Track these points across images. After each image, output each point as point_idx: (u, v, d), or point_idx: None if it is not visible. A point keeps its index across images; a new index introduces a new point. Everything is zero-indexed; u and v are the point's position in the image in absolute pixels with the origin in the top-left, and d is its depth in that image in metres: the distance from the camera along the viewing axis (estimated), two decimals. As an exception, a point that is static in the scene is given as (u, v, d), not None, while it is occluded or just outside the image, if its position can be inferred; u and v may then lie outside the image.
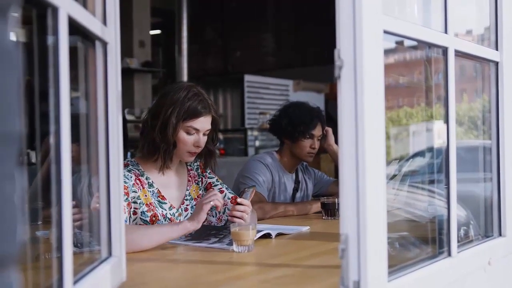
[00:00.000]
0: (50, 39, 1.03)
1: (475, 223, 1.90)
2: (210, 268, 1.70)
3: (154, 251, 1.92)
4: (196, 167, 2.44)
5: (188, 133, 2.20)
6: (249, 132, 7.46)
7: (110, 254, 1.38)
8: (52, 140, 1.03)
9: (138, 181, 2.18)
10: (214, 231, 2.14)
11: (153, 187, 2.24)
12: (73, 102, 1.11)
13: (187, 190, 2.36)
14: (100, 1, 1.36)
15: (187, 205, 2.34)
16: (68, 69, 1.04)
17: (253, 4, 9.43)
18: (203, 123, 2.21)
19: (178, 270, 1.71)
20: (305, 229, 2.36)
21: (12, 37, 0.56)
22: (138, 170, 2.22)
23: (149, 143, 2.21)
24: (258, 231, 2.04)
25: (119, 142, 1.40)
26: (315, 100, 6.63)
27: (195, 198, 2.37)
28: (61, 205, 1.02)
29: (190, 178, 2.39)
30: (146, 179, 2.23)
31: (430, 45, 1.57)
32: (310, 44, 9.05)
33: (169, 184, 2.30)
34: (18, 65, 0.57)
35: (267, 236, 2.12)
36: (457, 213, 1.58)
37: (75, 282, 1.11)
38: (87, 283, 1.16)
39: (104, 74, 1.37)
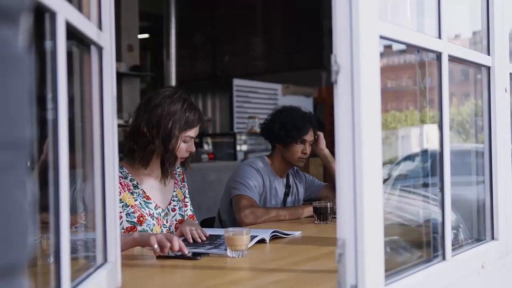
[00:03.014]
0: (47, 44, 1.03)
1: (464, 227, 1.91)
2: (205, 274, 1.70)
3: (148, 257, 1.91)
4: (178, 173, 2.51)
5: (184, 141, 2.30)
6: (238, 136, 7.44)
7: (105, 260, 1.37)
8: (49, 145, 1.03)
9: (119, 184, 2.20)
10: (209, 240, 2.14)
11: (138, 188, 2.29)
12: (68, 107, 1.11)
13: (174, 191, 2.43)
14: (95, 6, 1.36)
15: (174, 205, 2.41)
16: (66, 73, 1.04)
17: (242, 8, 9.45)
18: (197, 130, 2.34)
19: (173, 276, 1.71)
20: (297, 233, 2.36)
21: (23, 43, 0.56)
22: (122, 173, 2.25)
23: (149, 153, 2.26)
24: (253, 237, 2.04)
25: (114, 147, 1.39)
26: (304, 104, 6.64)
27: (181, 200, 2.45)
28: (58, 211, 1.01)
29: (176, 181, 2.47)
30: (131, 181, 2.28)
31: (425, 50, 1.58)
32: (299, 48, 9.08)
33: (155, 186, 2.35)
34: (29, 71, 0.56)
35: (261, 241, 2.12)
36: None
37: (72, 288, 1.10)
38: (84, 289, 1.16)
39: (99, 79, 1.36)
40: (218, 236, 2.20)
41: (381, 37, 1.25)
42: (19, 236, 0.54)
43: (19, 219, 0.53)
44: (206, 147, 7.41)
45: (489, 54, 1.85)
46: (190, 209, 2.53)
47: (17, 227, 0.53)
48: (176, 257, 1.87)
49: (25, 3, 0.57)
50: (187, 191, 2.55)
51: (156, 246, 1.81)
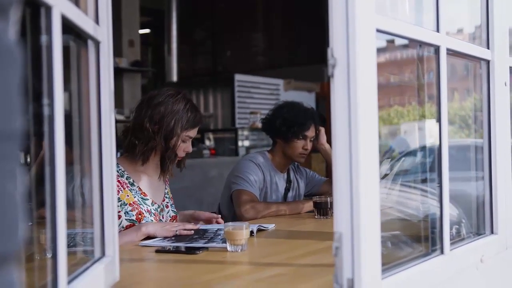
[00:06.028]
0: (43, 38, 1.03)
1: (466, 222, 1.91)
2: (203, 268, 1.70)
3: (146, 251, 1.92)
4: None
5: (183, 141, 2.33)
6: (239, 132, 7.44)
7: (103, 254, 1.38)
8: (45, 140, 1.03)
9: (117, 182, 2.21)
10: (197, 235, 2.14)
11: (134, 185, 2.31)
12: (64, 102, 1.11)
13: (166, 189, 2.48)
14: (92, 0, 1.36)
15: (167, 202, 2.46)
16: (62, 68, 1.04)
17: (243, 3, 9.44)
18: (196, 131, 2.38)
19: (172, 270, 1.71)
20: (271, 226, 2.39)
21: (13, 36, 0.56)
22: (118, 171, 2.26)
23: (149, 149, 2.28)
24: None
25: (112, 142, 1.40)
26: (306, 99, 6.64)
27: (171, 197, 2.51)
28: (55, 206, 1.02)
29: (166, 180, 2.51)
30: (127, 178, 2.30)
31: (423, 44, 1.58)
32: (301, 43, 9.08)
33: (149, 183, 2.39)
34: (19, 64, 0.57)
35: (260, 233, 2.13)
36: (449, 212, 1.58)
37: (69, 282, 1.10)
38: (81, 283, 1.16)
39: (96, 73, 1.36)
40: (206, 230, 2.21)
41: (378, 31, 1.25)
42: (9, 227, 0.54)
43: (9, 210, 0.54)
44: (207, 142, 7.42)
45: (488, 48, 1.84)
46: (173, 210, 2.53)
47: (8, 218, 0.54)
48: (175, 251, 1.88)
49: None
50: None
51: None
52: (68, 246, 1.14)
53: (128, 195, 2.26)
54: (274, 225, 2.43)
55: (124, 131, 2.35)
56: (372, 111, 1.22)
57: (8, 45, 0.55)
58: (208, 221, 2.44)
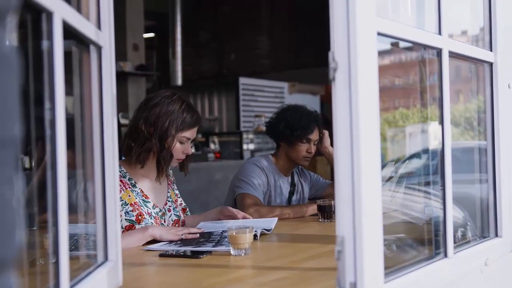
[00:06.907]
0: (44, 44, 1.03)
1: (472, 225, 1.90)
2: (207, 272, 1.70)
3: (149, 256, 1.92)
4: (170, 175, 2.56)
5: (181, 142, 2.33)
6: (244, 135, 7.43)
7: (106, 258, 1.38)
8: (47, 145, 1.03)
9: (119, 182, 2.22)
10: (203, 239, 2.14)
11: (136, 187, 2.32)
12: (67, 107, 1.11)
13: (168, 192, 2.47)
14: (94, 5, 1.36)
15: (169, 206, 2.46)
16: (63, 73, 1.04)
17: (248, 6, 9.44)
18: (195, 132, 2.37)
19: (175, 274, 1.71)
20: (274, 222, 2.41)
21: (11, 42, 0.57)
22: (120, 172, 2.27)
23: (145, 151, 2.29)
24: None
25: (114, 146, 1.40)
26: (311, 102, 6.64)
27: (174, 201, 2.49)
28: (57, 210, 1.02)
29: (169, 182, 2.51)
30: (129, 180, 2.31)
31: (424, 47, 1.57)
32: (305, 46, 9.07)
33: (152, 186, 2.39)
34: (16, 70, 0.57)
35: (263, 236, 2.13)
36: (454, 214, 1.58)
37: (72, 286, 1.10)
38: (84, 287, 1.16)
39: (98, 78, 1.37)
40: (211, 233, 2.21)
41: (379, 34, 1.25)
42: (7, 233, 0.54)
43: (6, 216, 0.54)
44: (212, 146, 7.42)
45: (491, 50, 1.84)
46: (177, 214, 2.52)
47: (5, 224, 0.54)
48: (178, 255, 1.88)
49: (12, 3, 0.57)
50: (177, 191, 2.58)
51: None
52: (71, 249, 1.15)
53: (129, 195, 2.27)
54: (276, 218, 2.45)
55: (124, 135, 2.36)
56: (374, 114, 1.22)
57: (5, 51, 0.55)
58: (232, 217, 2.48)
